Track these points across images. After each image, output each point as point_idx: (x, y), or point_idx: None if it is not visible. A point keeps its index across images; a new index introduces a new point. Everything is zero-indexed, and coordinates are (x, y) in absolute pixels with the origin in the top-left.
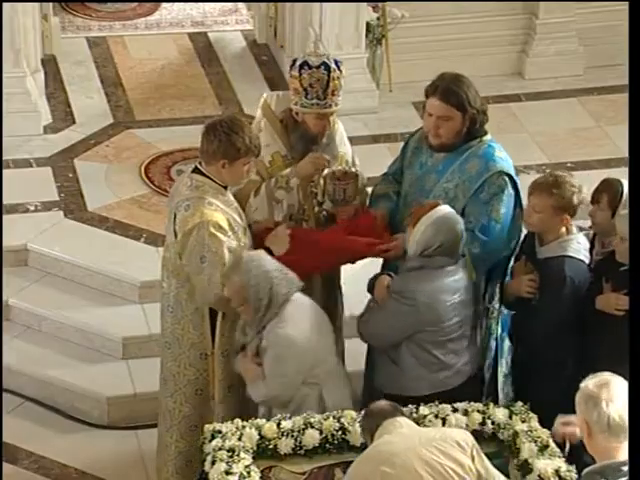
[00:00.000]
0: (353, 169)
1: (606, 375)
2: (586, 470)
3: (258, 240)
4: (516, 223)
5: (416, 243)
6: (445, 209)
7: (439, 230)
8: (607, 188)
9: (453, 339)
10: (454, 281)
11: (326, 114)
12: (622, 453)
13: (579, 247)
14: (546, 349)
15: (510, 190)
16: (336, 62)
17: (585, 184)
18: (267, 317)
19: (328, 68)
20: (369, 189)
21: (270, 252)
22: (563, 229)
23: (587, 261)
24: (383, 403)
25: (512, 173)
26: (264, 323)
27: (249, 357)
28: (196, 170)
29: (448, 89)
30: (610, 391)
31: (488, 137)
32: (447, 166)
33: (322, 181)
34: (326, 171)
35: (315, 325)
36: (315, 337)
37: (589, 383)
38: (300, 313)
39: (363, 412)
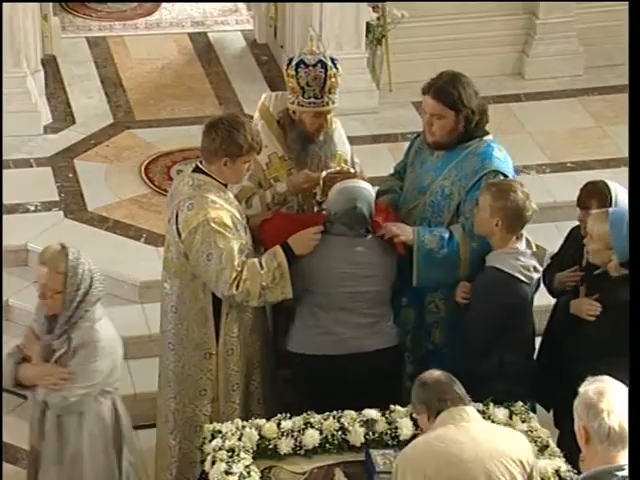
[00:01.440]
0: (352, 170)
1: (604, 380)
2: (581, 476)
3: (256, 233)
4: None
5: (326, 208)
6: (353, 183)
7: (338, 199)
8: (595, 193)
9: (344, 309)
10: (352, 252)
11: (323, 112)
12: (619, 460)
13: (516, 264)
14: (466, 359)
15: None
16: (332, 60)
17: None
18: (77, 313)
19: (325, 66)
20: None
21: (289, 248)
22: (512, 241)
23: (527, 280)
24: (438, 373)
25: (509, 173)
26: (74, 319)
27: (50, 363)
28: (197, 169)
29: (441, 88)
30: (610, 400)
31: (489, 137)
32: (445, 164)
33: (321, 182)
34: (324, 172)
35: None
36: (118, 341)
37: (588, 390)
38: (105, 316)
39: (417, 382)
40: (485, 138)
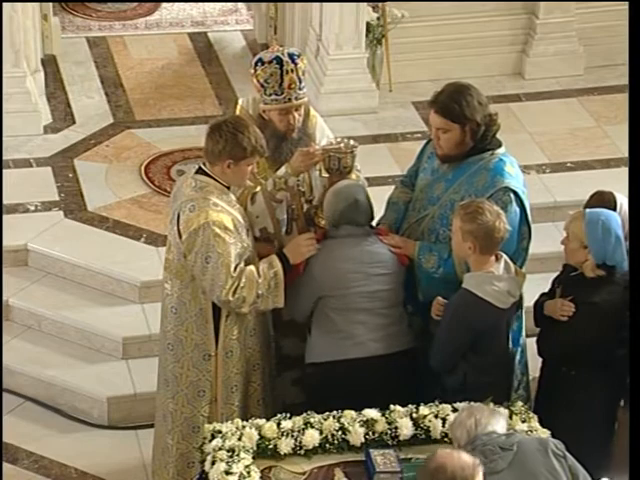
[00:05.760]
0: (351, 142)
1: None
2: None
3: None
4: (522, 241)
5: (325, 216)
6: (346, 181)
7: (337, 198)
8: (597, 199)
9: (360, 310)
10: (361, 251)
11: (288, 109)
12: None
13: (490, 289)
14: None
15: (515, 207)
16: (291, 55)
17: (585, 184)
18: None
19: (280, 62)
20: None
21: (285, 258)
22: (490, 262)
23: (501, 305)
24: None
25: (519, 190)
26: None
27: None
28: (200, 171)
29: (443, 101)
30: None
31: (501, 150)
32: (457, 176)
33: (320, 155)
34: (323, 142)
35: None
36: None
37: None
38: None
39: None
40: (497, 151)
